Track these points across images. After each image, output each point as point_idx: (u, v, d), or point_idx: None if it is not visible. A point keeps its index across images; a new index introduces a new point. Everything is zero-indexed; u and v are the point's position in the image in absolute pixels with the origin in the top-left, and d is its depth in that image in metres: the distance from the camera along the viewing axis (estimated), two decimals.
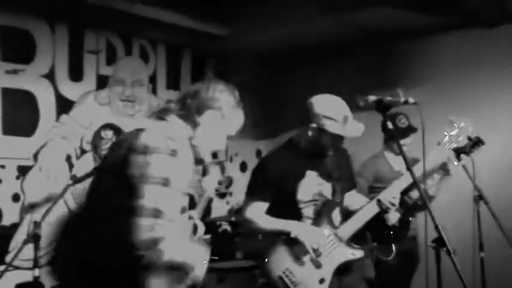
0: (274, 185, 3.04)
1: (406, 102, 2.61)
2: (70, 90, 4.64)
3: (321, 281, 2.97)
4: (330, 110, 3.00)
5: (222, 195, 5.91)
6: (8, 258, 4.13)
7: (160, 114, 2.22)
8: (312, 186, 3.08)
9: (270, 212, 3.09)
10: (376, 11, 4.48)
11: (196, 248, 2.23)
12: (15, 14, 4.28)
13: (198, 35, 5.04)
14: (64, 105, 4.59)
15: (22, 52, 4.35)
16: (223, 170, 5.92)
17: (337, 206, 3.14)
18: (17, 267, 4.11)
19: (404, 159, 2.50)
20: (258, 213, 3.09)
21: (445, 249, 2.22)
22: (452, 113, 4.74)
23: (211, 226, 5.68)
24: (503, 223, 3.68)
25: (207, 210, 5.73)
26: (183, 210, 2.12)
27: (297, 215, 3.06)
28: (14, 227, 4.25)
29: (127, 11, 4.36)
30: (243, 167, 6.18)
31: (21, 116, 4.33)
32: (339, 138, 3.01)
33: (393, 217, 3.67)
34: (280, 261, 2.99)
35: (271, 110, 6.29)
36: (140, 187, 1.91)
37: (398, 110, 3.67)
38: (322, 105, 3.03)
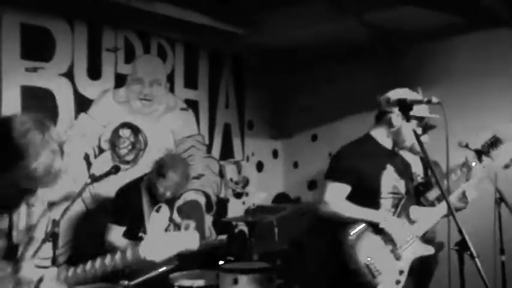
0: (356, 172, 3.05)
1: (429, 102, 2.59)
2: (88, 88, 4.65)
3: (400, 272, 3.03)
4: (411, 96, 2.99)
5: (238, 195, 5.90)
6: None
7: None
8: (391, 180, 3.12)
9: (350, 200, 3.08)
10: (395, 12, 4.45)
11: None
12: (35, 12, 4.30)
13: (216, 34, 5.03)
14: (83, 104, 4.60)
15: (41, 50, 4.36)
16: (239, 169, 5.91)
17: (413, 204, 3.20)
18: (36, 265, 4.11)
19: (427, 160, 2.47)
20: (339, 196, 3.07)
21: (468, 252, 2.19)
22: (470, 114, 4.73)
23: (227, 226, 5.68)
24: None
25: (223, 210, 5.73)
26: None
27: (375, 206, 3.08)
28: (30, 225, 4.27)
29: (145, 10, 4.36)
30: (259, 166, 6.16)
31: (40, 114, 4.33)
32: (421, 124, 3.10)
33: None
34: (367, 249, 3.00)
35: (287, 110, 6.27)
36: None
37: None
38: (401, 94, 3.02)
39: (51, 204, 4.32)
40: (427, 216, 3.17)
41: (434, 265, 4.24)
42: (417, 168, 4.12)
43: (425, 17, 4.58)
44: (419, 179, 3.94)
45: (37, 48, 4.34)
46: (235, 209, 5.85)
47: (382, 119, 3.15)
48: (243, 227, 5.84)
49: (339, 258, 3.03)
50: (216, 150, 5.73)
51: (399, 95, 3.00)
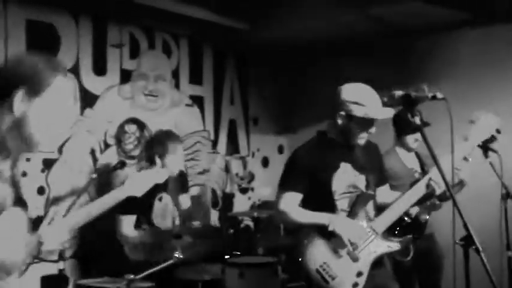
0: (308, 176, 3.02)
1: (434, 98, 2.57)
2: (94, 84, 4.66)
3: (359, 274, 2.95)
4: (357, 94, 3.01)
5: (243, 191, 5.90)
6: None
7: None
8: (346, 178, 3.05)
9: (304, 204, 3.06)
10: (401, 7, 4.43)
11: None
12: (40, 8, 4.31)
13: (220, 29, 5.03)
14: (88, 99, 4.61)
15: (47, 46, 4.38)
16: (245, 165, 5.92)
17: (371, 199, 3.11)
18: (43, 260, 4.14)
19: (432, 154, 2.46)
20: (292, 205, 3.06)
21: (474, 247, 2.18)
22: (475, 109, 4.70)
23: (233, 221, 5.69)
24: None
25: (229, 205, 5.74)
26: None
27: (331, 208, 3.02)
28: (39, 219, 4.29)
29: (150, 5, 4.37)
30: (265, 162, 6.17)
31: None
32: (368, 122, 2.99)
33: (413, 210, 3.63)
34: (317, 255, 2.96)
35: (292, 105, 6.27)
36: None
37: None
38: (349, 91, 3.04)
39: (57, 199, 4.35)
40: (389, 211, 3.08)
41: (439, 260, 4.20)
42: (414, 164, 4.11)
43: (432, 12, 4.56)
44: (417, 175, 3.93)
45: (42, 44, 4.34)
46: (241, 204, 5.85)
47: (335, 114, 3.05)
48: (248, 222, 5.84)
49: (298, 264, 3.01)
50: (221, 146, 5.73)
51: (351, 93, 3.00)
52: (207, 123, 5.60)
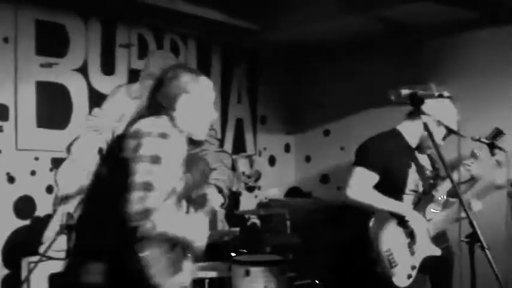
0: (385, 164, 3.08)
1: (440, 96, 2.59)
2: (102, 83, 4.69)
3: (413, 267, 3.07)
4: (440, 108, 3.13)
5: (250, 189, 5.92)
6: (41, 249, 4.20)
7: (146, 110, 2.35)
8: (414, 178, 3.17)
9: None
10: (410, 7, 4.43)
11: (195, 220, 2.34)
12: (50, 9, 4.35)
13: (229, 30, 5.05)
14: (96, 99, 4.65)
15: (56, 46, 4.42)
16: (251, 164, 5.93)
17: (432, 202, 3.23)
18: (51, 258, 4.17)
19: (440, 156, 2.47)
20: (366, 183, 3.09)
21: (479, 244, 2.20)
22: (483, 110, 4.70)
23: (239, 219, 5.71)
24: None
25: (235, 203, 5.76)
26: (173, 192, 2.20)
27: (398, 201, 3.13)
28: (48, 218, 4.33)
29: (159, 5, 4.40)
30: (272, 161, 6.18)
31: (55, 109, 4.41)
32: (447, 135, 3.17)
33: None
34: (388, 239, 3.03)
35: (300, 105, 6.28)
36: (133, 166, 2.06)
37: None
38: (432, 103, 3.04)
39: (66, 198, 4.39)
40: (440, 218, 3.21)
41: (450, 257, 4.18)
42: (425, 162, 4.13)
43: (443, 12, 4.56)
44: (428, 173, 3.94)
45: (52, 44, 4.39)
46: (248, 202, 5.87)
47: (413, 115, 3.18)
48: (255, 220, 5.87)
49: (359, 246, 3.06)
50: (228, 145, 5.76)
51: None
52: (214, 122, 5.61)
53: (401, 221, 3.06)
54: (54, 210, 4.36)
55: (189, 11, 4.56)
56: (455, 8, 4.46)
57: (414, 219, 3.07)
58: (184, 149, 2.29)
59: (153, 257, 2.09)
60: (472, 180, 3.76)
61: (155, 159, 2.05)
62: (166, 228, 2.09)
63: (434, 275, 4.08)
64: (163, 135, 2.10)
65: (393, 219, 3.07)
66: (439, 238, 3.92)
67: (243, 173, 5.86)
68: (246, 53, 5.93)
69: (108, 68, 4.74)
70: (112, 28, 4.77)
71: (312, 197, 6.01)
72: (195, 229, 2.28)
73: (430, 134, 2.62)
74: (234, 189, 5.77)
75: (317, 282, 3.19)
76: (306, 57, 6.04)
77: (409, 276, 3.04)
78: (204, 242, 2.30)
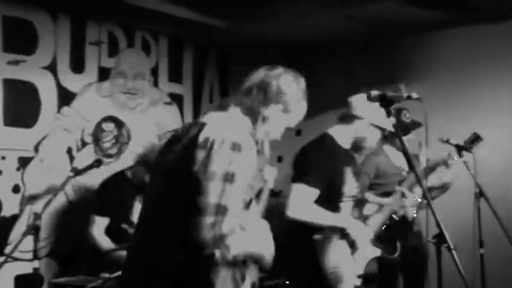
0: (325, 175, 2.96)
1: (409, 98, 2.60)
2: (72, 82, 4.62)
3: (358, 276, 3.07)
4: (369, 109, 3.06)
5: None
6: (7, 250, 4.12)
7: (222, 106, 2.18)
8: (351, 183, 3.12)
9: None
10: (381, 7, 4.47)
11: (261, 233, 2.16)
12: (18, 4, 4.27)
13: (201, 28, 5.02)
14: (65, 97, 4.58)
15: (24, 43, 4.33)
16: None
17: (365, 203, 3.26)
18: (17, 259, 4.10)
19: (407, 157, 2.49)
20: (306, 201, 2.94)
21: (445, 245, 2.22)
22: (454, 109, 4.78)
23: None
24: (503, 220, 3.68)
25: None
26: (248, 204, 2.07)
27: (335, 210, 3.04)
28: (14, 218, 4.25)
29: (129, 3, 4.35)
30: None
31: (23, 107, 4.32)
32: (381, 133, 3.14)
33: (411, 212, 3.69)
34: (334, 254, 3.01)
35: None
36: (204, 184, 1.85)
37: (401, 105, 3.66)
38: (362, 104, 3.07)
39: (33, 198, 4.31)
40: (374, 219, 3.23)
41: (425, 257, 4.21)
42: (402, 162, 4.16)
43: (413, 12, 4.60)
44: (404, 173, 3.98)
45: (19, 41, 4.30)
46: None
47: (345, 119, 3.14)
48: None
49: (309, 261, 3.02)
50: None
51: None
52: (186, 121, 5.59)
53: (343, 234, 3.01)
54: (21, 211, 4.28)
55: (160, 9, 4.52)
56: (423, 9, 4.51)
57: (354, 228, 3.02)
58: (256, 160, 2.04)
59: (222, 283, 1.95)
60: (443, 187, 3.82)
61: (229, 177, 1.85)
62: (240, 250, 1.92)
63: (408, 273, 4.13)
64: (236, 147, 1.89)
65: (336, 233, 3.02)
66: (414, 237, 3.98)
67: None
68: (218, 52, 5.91)
69: (77, 66, 4.67)
70: (81, 25, 4.70)
71: (281, 196, 6.01)
72: (263, 243, 2.11)
73: (399, 136, 2.64)
74: None
75: (287, 282, 3.18)
76: (276, 56, 6.01)
77: (356, 287, 3.03)
78: (272, 255, 2.12)
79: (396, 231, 3.70)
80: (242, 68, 6.24)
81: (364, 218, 3.27)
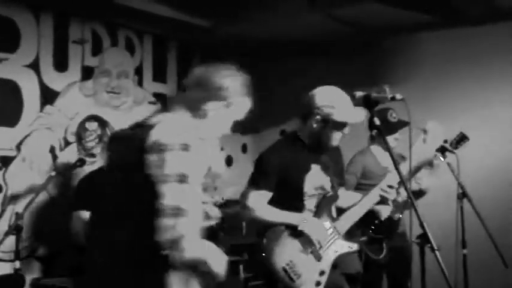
0: (278, 176, 3.05)
1: (393, 99, 2.62)
2: (55, 80, 4.58)
3: (321, 273, 3.01)
4: (332, 98, 3.06)
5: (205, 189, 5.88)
6: None
7: (167, 107, 2.21)
8: (316, 180, 3.11)
9: (272, 203, 3.08)
10: (364, 8, 4.49)
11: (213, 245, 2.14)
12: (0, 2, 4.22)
13: (184, 27, 5.01)
14: (48, 96, 4.53)
15: (6, 41, 4.29)
16: None
17: (336, 200, 3.19)
18: None
19: (392, 156, 2.51)
20: (261, 202, 3.07)
21: (429, 245, 2.23)
22: (438, 110, 4.81)
23: None
24: (486, 221, 3.70)
25: None
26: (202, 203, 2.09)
27: (299, 208, 3.08)
28: None
29: (113, 1, 4.32)
30: (229, 161, 6.16)
31: (5, 105, 4.28)
32: (343, 125, 3.04)
33: (385, 211, 3.67)
34: (284, 253, 2.98)
35: (256, 104, 6.27)
36: (159, 186, 1.89)
37: (388, 105, 3.67)
38: (324, 95, 3.08)
39: (15, 197, 4.26)
40: (351, 212, 3.18)
41: (409, 258, 4.22)
42: (388, 163, 4.16)
43: (397, 13, 4.63)
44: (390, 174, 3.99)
45: (1, 39, 4.26)
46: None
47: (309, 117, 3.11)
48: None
49: (260, 262, 3.04)
50: None
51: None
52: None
53: (298, 231, 3.01)
54: (3, 210, 4.23)
55: (143, 8, 4.50)
56: (406, 10, 4.54)
57: (307, 226, 3.01)
58: (206, 157, 2.11)
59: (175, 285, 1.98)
60: (420, 193, 3.84)
61: (182, 178, 1.89)
62: (195, 253, 1.94)
63: (392, 273, 4.13)
64: (186, 147, 1.92)
65: (289, 231, 3.02)
66: (399, 238, 3.99)
67: None
68: (202, 51, 5.88)
69: (61, 65, 4.63)
70: (65, 23, 4.66)
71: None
72: (215, 253, 2.10)
73: (382, 135, 2.65)
74: None
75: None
76: (259, 56, 6.04)
77: (318, 283, 2.99)
78: (224, 269, 2.10)
79: (382, 232, 3.72)
80: None
81: (340, 211, 3.23)
